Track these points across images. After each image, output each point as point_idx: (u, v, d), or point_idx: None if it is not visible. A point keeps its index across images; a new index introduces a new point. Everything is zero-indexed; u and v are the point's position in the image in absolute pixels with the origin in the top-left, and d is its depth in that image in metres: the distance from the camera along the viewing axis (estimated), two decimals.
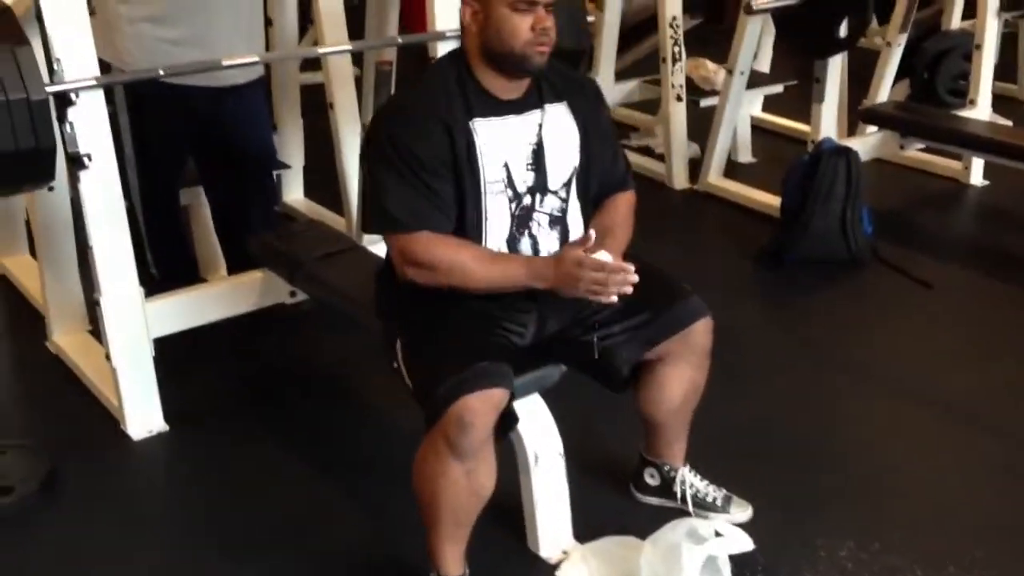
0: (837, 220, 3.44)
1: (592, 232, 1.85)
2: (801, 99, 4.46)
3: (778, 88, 4.63)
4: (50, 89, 2.11)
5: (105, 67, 2.33)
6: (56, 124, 2.13)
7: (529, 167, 1.95)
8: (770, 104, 4.95)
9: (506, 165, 1.93)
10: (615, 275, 1.80)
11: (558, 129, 1.99)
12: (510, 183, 1.93)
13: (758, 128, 4.77)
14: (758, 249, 3.57)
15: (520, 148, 1.95)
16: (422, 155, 1.86)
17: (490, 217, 1.93)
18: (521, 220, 1.96)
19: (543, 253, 1.98)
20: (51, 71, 2.15)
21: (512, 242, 1.96)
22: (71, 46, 2.17)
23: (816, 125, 3.93)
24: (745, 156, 4.59)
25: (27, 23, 2.14)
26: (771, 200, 3.84)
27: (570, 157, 2.00)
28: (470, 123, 1.90)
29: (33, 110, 1.99)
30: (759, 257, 3.54)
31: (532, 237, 1.97)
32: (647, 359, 2.04)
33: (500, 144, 1.92)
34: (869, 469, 2.41)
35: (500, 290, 1.91)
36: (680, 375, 2.07)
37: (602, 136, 2.07)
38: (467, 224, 1.91)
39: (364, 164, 1.97)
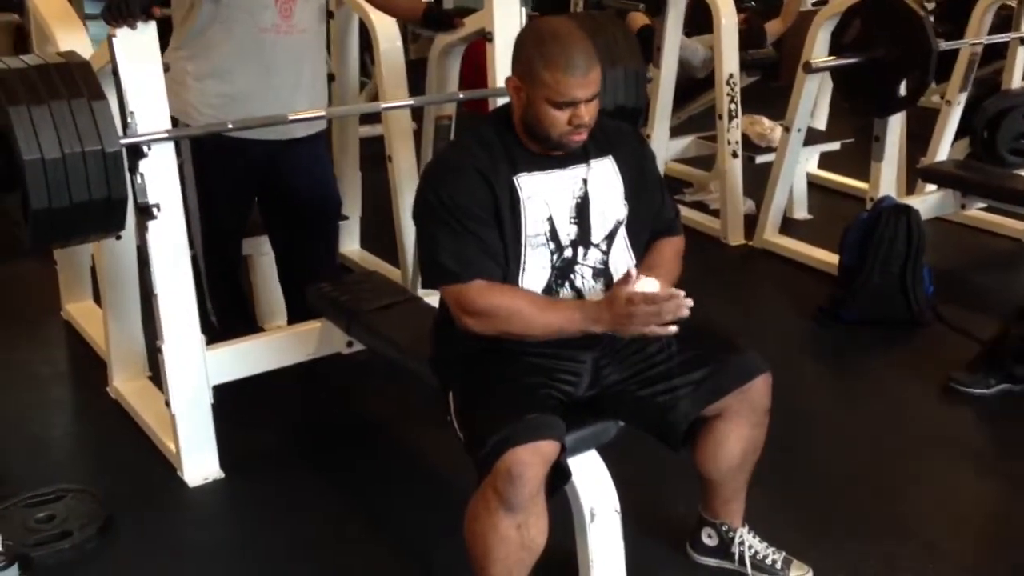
0: (897, 279, 3.39)
1: (632, 269, 1.85)
2: (857, 156, 4.44)
3: (835, 145, 4.61)
4: (123, 141, 2.17)
5: (173, 122, 2.40)
6: (128, 175, 2.19)
7: (572, 220, 1.96)
8: (826, 161, 4.92)
9: (550, 219, 1.94)
10: (667, 303, 1.77)
11: (603, 183, 2.00)
12: (553, 236, 1.94)
13: (814, 185, 4.75)
14: (816, 307, 3.52)
15: (564, 202, 1.96)
16: (467, 205, 1.88)
17: (528, 269, 1.94)
18: (562, 272, 1.97)
19: None
20: (125, 124, 2.22)
21: (549, 293, 1.97)
22: (145, 100, 2.24)
23: (875, 183, 3.90)
24: (801, 213, 4.56)
25: (104, 77, 2.21)
26: (828, 257, 3.81)
27: (614, 211, 2.01)
28: (514, 178, 1.92)
29: (107, 161, 2.05)
30: (817, 315, 3.50)
31: (576, 289, 1.98)
32: (705, 416, 2.01)
33: (544, 198, 1.94)
34: (932, 535, 2.34)
35: (558, 336, 1.90)
36: (739, 433, 2.04)
37: (649, 184, 2.08)
38: (505, 276, 1.92)
39: (415, 220, 1.99)
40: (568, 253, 1.97)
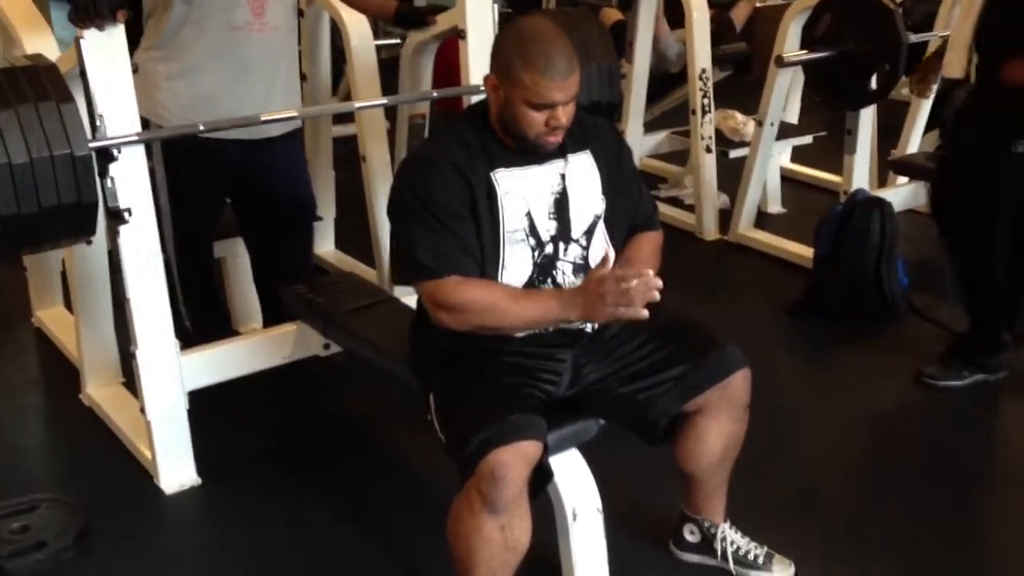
0: (872, 271, 3.41)
1: (610, 252, 1.84)
2: (829, 150, 4.47)
3: (807, 139, 4.63)
4: (93, 145, 2.14)
5: (143, 123, 2.36)
6: (98, 179, 2.16)
7: (552, 216, 1.96)
8: (799, 155, 4.95)
9: (528, 214, 1.93)
10: (637, 283, 1.74)
11: (581, 178, 1.99)
12: (533, 232, 1.94)
13: (787, 179, 4.77)
14: (791, 300, 3.54)
15: (543, 197, 1.96)
16: (442, 201, 1.87)
17: (508, 266, 1.93)
18: (543, 268, 1.96)
19: None
20: (94, 127, 2.19)
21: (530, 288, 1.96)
22: (114, 103, 2.21)
23: (848, 176, 3.92)
24: (775, 207, 4.58)
25: (71, 80, 2.17)
26: (802, 251, 3.82)
27: (592, 205, 2.01)
28: (492, 173, 1.91)
29: (76, 165, 2.02)
30: (792, 308, 3.51)
31: (557, 285, 1.97)
32: (685, 412, 2.01)
33: (522, 193, 1.93)
34: (913, 528, 2.36)
35: (534, 327, 1.90)
36: (719, 428, 2.04)
37: (625, 178, 2.08)
38: (484, 272, 1.91)
39: (389, 216, 1.98)
40: (549, 249, 1.96)
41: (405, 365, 2.12)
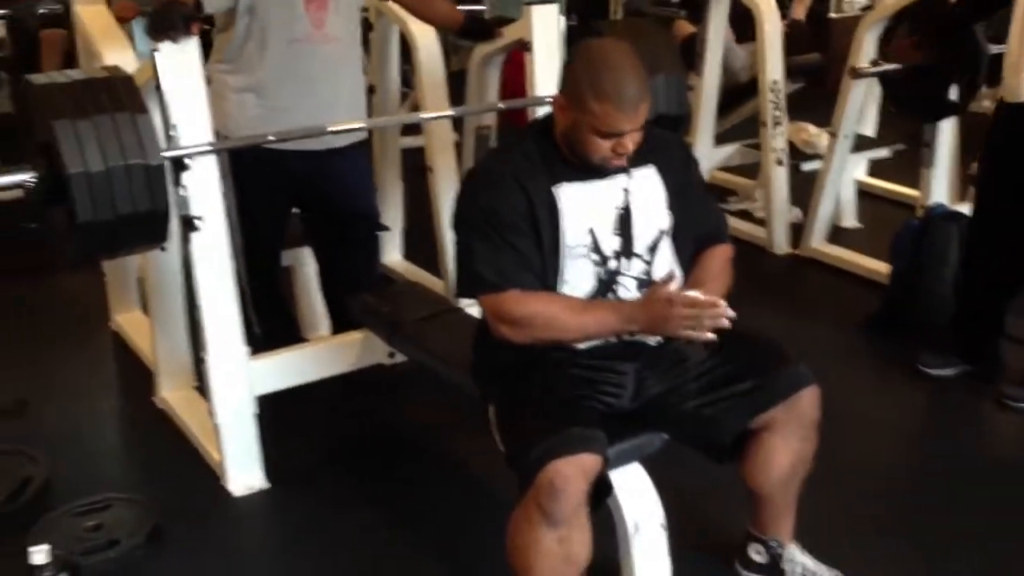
0: (949, 287, 3.31)
1: (675, 270, 1.82)
2: (909, 163, 4.35)
3: (884, 152, 4.52)
4: (166, 154, 2.19)
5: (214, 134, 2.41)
6: (171, 187, 2.21)
7: (615, 231, 1.95)
8: (876, 168, 4.83)
9: (591, 230, 1.92)
10: (708, 309, 1.77)
11: (645, 193, 1.98)
12: (596, 247, 1.93)
13: (863, 192, 4.66)
14: (865, 316, 3.45)
15: (606, 213, 1.94)
16: (504, 215, 1.88)
17: (569, 280, 1.92)
18: (606, 284, 1.95)
19: None
20: (168, 137, 2.24)
21: None
22: (187, 114, 2.26)
23: (926, 190, 3.82)
24: (849, 221, 4.48)
25: (147, 91, 2.23)
26: (878, 266, 3.73)
27: (657, 220, 1.99)
28: (554, 188, 1.90)
29: (150, 174, 2.07)
30: (866, 324, 3.43)
31: (619, 300, 1.95)
32: (752, 429, 1.97)
33: (585, 209, 1.92)
34: (998, 548, 2.27)
35: (594, 338, 1.90)
36: (787, 446, 1.99)
37: (693, 192, 2.06)
38: (545, 286, 1.91)
39: (453, 229, 1.99)
40: (612, 264, 1.95)
41: (468, 375, 2.12)
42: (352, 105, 2.77)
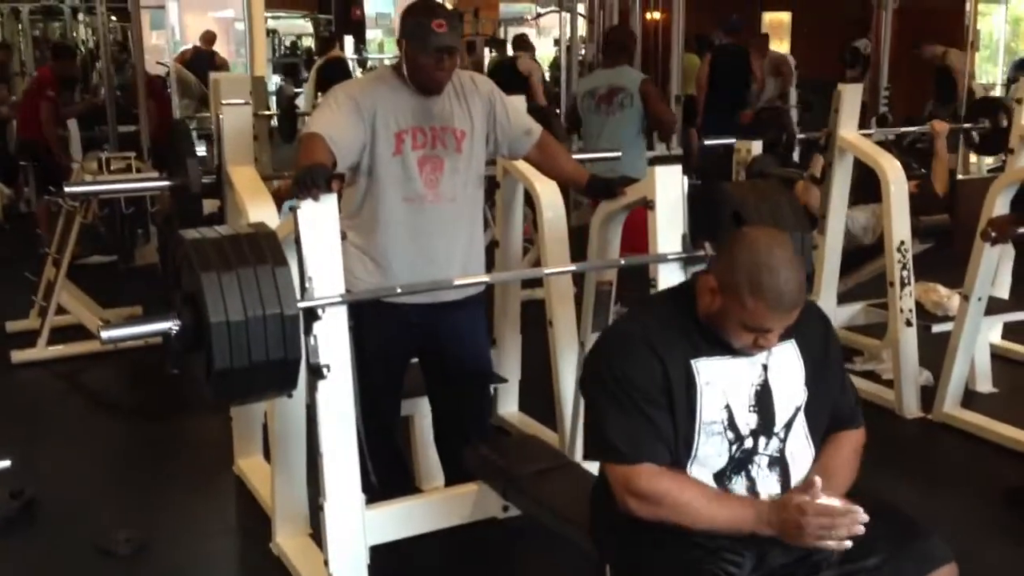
0: None
1: (818, 479, 1.77)
2: None
3: (1021, 315, 4.34)
4: (301, 305, 2.29)
5: None
6: (302, 336, 2.29)
7: (752, 409, 1.91)
8: (1012, 331, 4.64)
9: (728, 407, 1.89)
10: (842, 518, 1.72)
11: (784, 370, 1.94)
12: (732, 425, 1.89)
13: (998, 356, 4.46)
14: (1005, 488, 3.25)
15: (743, 389, 1.91)
16: (640, 383, 1.86)
17: (700, 457, 1.88)
18: (739, 463, 1.90)
19: (761, 494, 1.90)
20: (303, 288, 2.35)
21: (721, 480, 1.89)
22: (322, 267, 2.36)
23: None
24: (985, 386, 4.28)
25: (286, 244, 2.36)
26: (1018, 434, 3.53)
27: (794, 397, 1.94)
28: (693, 361, 1.89)
29: (285, 324, 2.16)
30: (1008, 498, 3.22)
31: (750, 479, 1.90)
32: None
33: (722, 385, 1.89)
34: None
35: (722, 533, 1.84)
36: None
37: (830, 368, 2.01)
38: (675, 461, 1.87)
39: (583, 390, 1.98)
40: (748, 444, 1.90)
41: (584, 532, 2.08)
42: (468, 261, 2.86)
